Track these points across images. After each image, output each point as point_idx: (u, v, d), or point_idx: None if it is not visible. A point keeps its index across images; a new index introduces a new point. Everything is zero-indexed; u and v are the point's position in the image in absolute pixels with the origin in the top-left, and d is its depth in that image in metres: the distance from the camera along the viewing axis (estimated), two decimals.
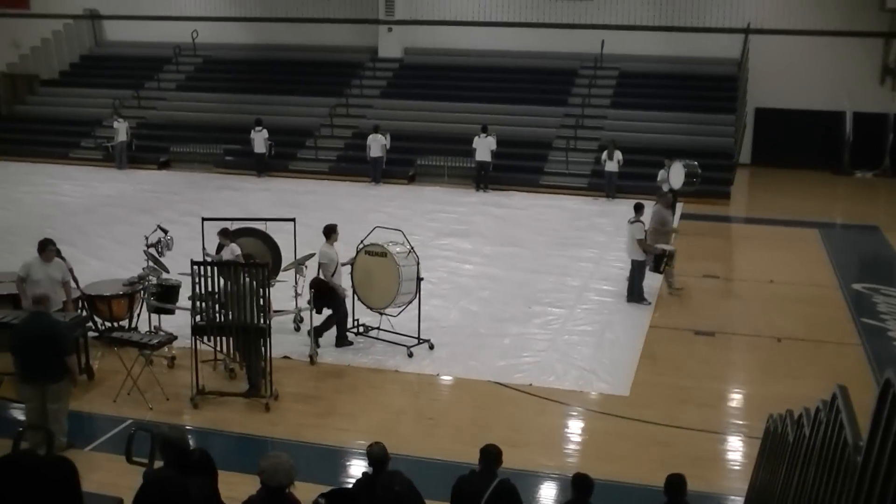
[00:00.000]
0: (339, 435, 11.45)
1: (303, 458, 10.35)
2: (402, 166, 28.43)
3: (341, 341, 14.24)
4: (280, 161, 29.27)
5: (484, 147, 26.93)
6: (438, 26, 33.07)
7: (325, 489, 7.68)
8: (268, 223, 15.05)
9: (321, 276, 14.02)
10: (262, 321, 11.96)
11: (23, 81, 37.53)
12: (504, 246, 20.63)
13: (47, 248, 12.78)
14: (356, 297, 14.54)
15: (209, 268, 12.09)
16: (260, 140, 28.58)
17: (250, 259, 13.94)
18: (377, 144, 27.66)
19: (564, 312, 16.19)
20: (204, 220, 14.80)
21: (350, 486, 8.72)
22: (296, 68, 33.75)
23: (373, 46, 33.83)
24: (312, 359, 13.64)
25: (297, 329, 14.90)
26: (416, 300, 14.37)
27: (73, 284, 14.01)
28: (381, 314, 14.45)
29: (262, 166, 28.85)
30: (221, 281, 12.16)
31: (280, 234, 15.07)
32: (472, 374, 13.39)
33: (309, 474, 8.66)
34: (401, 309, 14.40)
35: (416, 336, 14.32)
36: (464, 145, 27.59)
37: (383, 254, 14.12)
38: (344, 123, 30.76)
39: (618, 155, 25.76)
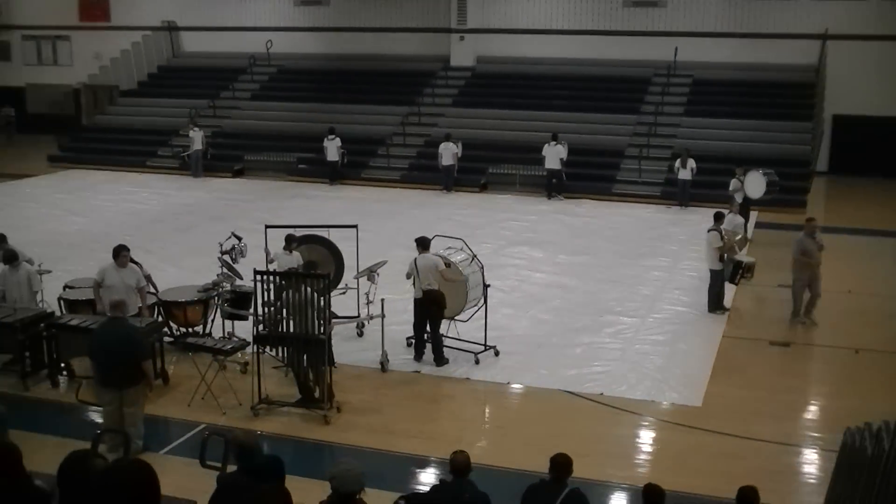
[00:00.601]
0: (408, 443, 11.48)
1: (371, 465, 10.42)
2: (473, 174, 28.46)
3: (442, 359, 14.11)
4: (352, 169, 29.48)
5: (553, 155, 26.83)
6: (510, 35, 33.11)
7: (395, 496, 7.72)
8: (330, 230, 15.13)
9: (430, 287, 13.90)
10: (321, 332, 12.02)
11: (103, 92, 38.39)
12: (576, 255, 20.54)
13: (120, 255, 13.07)
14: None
15: (273, 277, 12.21)
16: (333, 148, 28.83)
17: (313, 267, 14.04)
18: (449, 153, 27.73)
19: (636, 322, 16.06)
20: (267, 227, 14.97)
21: (421, 492, 8.76)
22: (368, 77, 33.98)
23: (445, 55, 33.93)
24: (383, 366, 13.71)
25: (360, 335, 15.00)
26: (484, 307, 14.36)
27: (150, 290, 14.30)
28: (450, 321, 14.45)
29: (335, 174, 29.09)
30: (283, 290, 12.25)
31: (348, 242, 15.14)
32: (542, 383, 13.35)
33: (377, 482, 8.70)
34: (470, 315, 14.40)
35: (483, 343, 14.31)
36: (536, 153, 27.51)
37: (447, 264, 14.14)
38: (416, 132, 30.90)
39: (691, 163, 25.50)
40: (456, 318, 14.41)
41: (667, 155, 27.70)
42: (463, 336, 14.52)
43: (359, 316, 15.02)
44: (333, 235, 15.45)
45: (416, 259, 13.86)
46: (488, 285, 14.42)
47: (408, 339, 14.59)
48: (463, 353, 14.24)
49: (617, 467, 10.84)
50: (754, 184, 21.95)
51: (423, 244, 14.01)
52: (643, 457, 11.42)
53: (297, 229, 15.13)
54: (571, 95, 31.01)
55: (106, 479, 5.97)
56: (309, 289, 11.91)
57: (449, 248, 14.59)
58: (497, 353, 14.32)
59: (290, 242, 14.50)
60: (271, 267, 14.06)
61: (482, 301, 14.41)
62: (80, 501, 6.06)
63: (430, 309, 13.83)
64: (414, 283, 13.97)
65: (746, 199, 22.12)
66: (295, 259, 14.24)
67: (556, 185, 26.97)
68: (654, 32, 31.45)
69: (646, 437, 11.92)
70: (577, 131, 28.83)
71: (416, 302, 13.96)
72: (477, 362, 13.99)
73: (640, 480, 9.28)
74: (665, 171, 27.25)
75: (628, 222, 24.02)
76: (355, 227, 14.93)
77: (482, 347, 14.28)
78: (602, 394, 12.93)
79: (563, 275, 18.97)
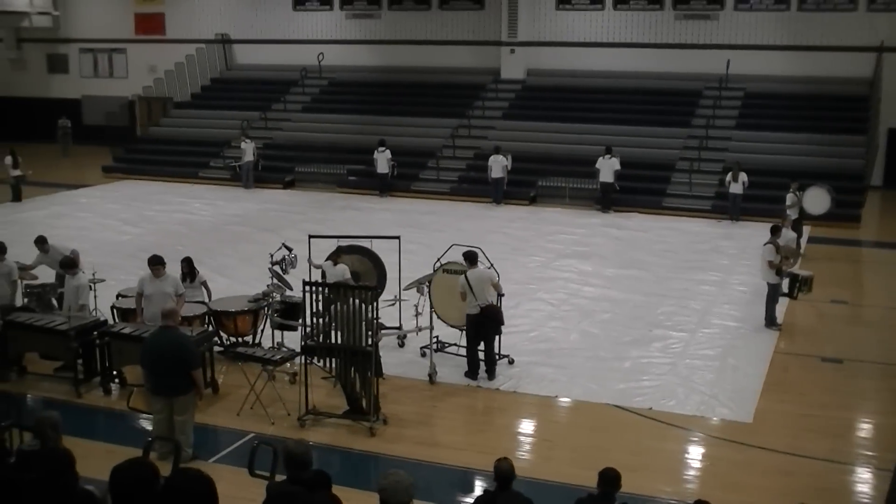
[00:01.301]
0: (455, 455, 11.47)
1: (419, 477, 10.42)
2: (523, 187, 28.42)
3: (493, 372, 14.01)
4: (402, 181, 29.57)
5: (607, 168, 26.74)
6: (561, 47, 33.09)
7: None
8: (373, 241, 15.17)
9: (487, 303, 13.80)
10: (368, 344, 12.03)
11: (157, 104, 38.91)
12: (625, 268, 20.42)
13: (153, 265, 13.25)
14: (434, 314, 14.41)
15: (320, 288, 12.29)
16: (383, 160, 28.95)
17: (356, 278, 14.12)
18: (498, 165, 27.72)
19: (686, 336, 15.93)
20: (311, 237, 15.06)
21: None
22: (419, 90, 34.10)
23: (495, 68, 33.94)
24: (431, 378, 13.72)
25: (401, 345, 15.04)
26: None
27: (203, 300, 14.48)
28: (462, 331, 14.37)
29: (385, 186, 29.21)
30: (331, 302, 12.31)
31: (394, 254, 15.18)
32: (590, 397, 13.28)
33: (424, 494, 8.71)
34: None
35: (497, 352, 14.24)
36: (585, 166, 27.44)
37: (462, 272, 14.10)
38: (466, 144, 30.92)
39: (743, 177, 25.27)
40: (463, 328, 14.29)
41: (718, 168, 27.47)
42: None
43: (400, 328, 15.05)
44: (378, 246, 15.47)
45: (466, 275, 13.78)
46: (502, 294, 14.27)
47: (422, 348, 14.64)
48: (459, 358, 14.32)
49: (666, 483, 10.75)
50: (817, 199, 21.69)
51: (471, 259, 13.93)
52: (692, 472, 11.32)
53: (341, 239, 15.21)
54: (622, 108, 30.88)
55: (169, 488, 6.04)
56: (357, 300, 11.96)
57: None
58: (511, 362, 14.29)
59: (338, 254, 14.58)
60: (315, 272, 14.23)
61: None
62: None
63: (487, 325, 13.77)
64: (467, 300, 13.81)
65: (802, 214, 21.86)
66: (341, 271, 14.30)
67: (608, 199, 26.85)
68: (706, 45, 31.24)
69: (695, 453, 11.81)
70: (628, 144, 28.69)
71: (471, 318, 13.78)
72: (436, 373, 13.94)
73: (690, 496, 9.20)
74: (716, 184, 27.02)
75: (678, 236, 23.84)
76: (398, 238, 14.95)
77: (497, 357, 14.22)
78: (651, 408, 12.84)
79: (613, 288, 18.87)
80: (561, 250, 22.04)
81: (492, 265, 14.49)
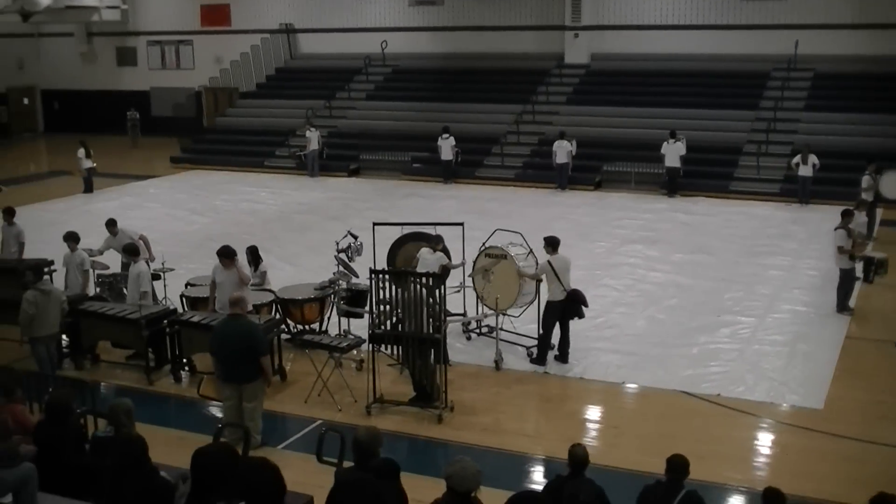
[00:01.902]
0: (523, 442, 11.48)
1: (486, 464, 10.43)
2: (588, 172, 28.27)
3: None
4: (467, 168, 29.56)
5: (673, 153, 26.47)
6: (625, 31, 32.78)
7: (508, 495, 7.72)
8: (437, 228, 15.15)
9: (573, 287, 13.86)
10: (434, 331, 12.05)
11: (224, 94, 39.36)
12: (692, 253, 20.22)
13: (221, 258, 13.44)
14: (478, 299, 14.57)
15: (386, 276, 12.34)
16: (447, 147, 28.95)
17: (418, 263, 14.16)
18: (563, 151, 27.58)
19: (754, 322, 15.73)
20: (375, 224, 15.11)
21: (537, 490, 8.73)
22: (483, 76, 34.03)
23: (559, 53, 33.73)
24: (498, 365, 13.72)
25: (466, 334, 15.08)
26: (536, 301, 14.26)
27: (268, 287, 14.63)
28: (504, 315, 14.32)
29: (449, 173, 29.22)
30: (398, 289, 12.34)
31: (459, 241, 15.19)
32: (658, 383, 13.19)
33: (491, 480, 8.70)
34: (522, 310, 14.33)
35: (537, 338, 14.23)
36: (651, 151, 27.19)
37: (503, 256, 14.10)
38: (530, 130, 30.81)
39: (812, 159, 24.85)
40: (505, 313, 14.24)
41: (787, 151, 27.01)
42: (520, 330, 14.59)
43: (464, 314, 15.06)
44: (443, 233, 15.42)
45: (549, 261, 13.74)
46: (541, 280, 14.14)
47: (467, 331, 14.88)
48: (514, 346, 14.31)
49: (735, 470, 10.65)
50: (894, 182, 21.21)
51: (553, 244, 13.91)
52: (762, 460, 11.20)
53: (405, 227, 15.23)
54: (687, 92, 30.51)
55: (241, 477, 6.13)
56: (423, 288, 11.98)
57: (510, 243, 14.49)
58: (552, 348, 14.17)
59: (437, 242, 14.50)
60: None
61: (535, 296, 14.26)
62: (212, 494, 6.21)
63: (574, 309, 13.75)
64: (548, 285, 13.76)
65: (878, 197, 21.42)
66: (437, 258, 14.23)
67: (675, 183, 26.58)
68: (774, 25, 30.70)
69: (765, 440, 11.68)
70: (694, 128, 28.34)
71: (556, 305, 13.72)
72: (530, 356, 14.00)
73: (759, 484, 9.09)
74: (784, 167, 26.58)
75: (746, 220, 23.52)
76: (461, 224, 14.94)
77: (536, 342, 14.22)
78: (719, 395, 12.71)
79: (680, 274, 18.69)
80: (627, 236, 21.88)
81: (531, 251, 14.41)
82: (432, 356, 12.07)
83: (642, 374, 13.51)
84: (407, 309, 12.10)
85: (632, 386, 13.26)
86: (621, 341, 14.84)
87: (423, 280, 12.06)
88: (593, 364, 13.88)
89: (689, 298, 17.12)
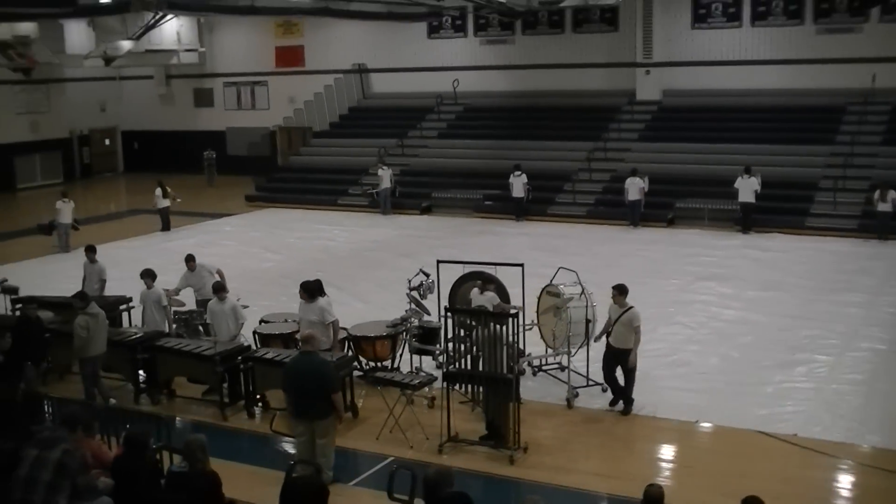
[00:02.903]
0: (594, 481, 11.39)
1: (558, 502, 10.38)
2: (660, 209, 28.07)
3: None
4: (538, 205, 29.55)
5: (747, 188, 26.18)
6: (697, 67, 32.61)
7: None
8: (497, 267, 15.12)
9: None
10: (508, 372, 12.01)
11: (297, 134, 39.93)
12: (766, 290, 19.93)
13: (301, 291, 13.61)
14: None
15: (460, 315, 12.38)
16: (519, 184, 28.99)
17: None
18: (635, 187, 27.46)
19: (831, 360, 15.43)
20: (439, 262, 15.16)
21: None
22: (554, 113, 34.05)
23: (630, 90, 33.66)
24: (570, 402, 13.65)
25: (534, 373, 15.00)
26: (587, 343, 14.18)
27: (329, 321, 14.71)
28: (557, 352, 14.36)
29: (521, 211, 29.25)
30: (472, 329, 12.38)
31: (531, 279, 15.17)
32: (732, 422, 12.99)
33: None
34: (575, 349, 14.12)
35: (586, 376, 14.22)
36: (724, 187, 26.90)
37: (557, 294, 14.14)
38: (602, 167, 30.71)
39: (892, 194, 24.41)
40: (557, 350, 14.32)
41: (864, 187, 26.56)
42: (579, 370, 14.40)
43: (528, 353, 15.00)
44: (508, 272, 15.38)
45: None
46: (591, 321, 14.02)
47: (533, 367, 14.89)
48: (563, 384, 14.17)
49: None
50: None
51: (623, 292, 13.69)
52: (842, 502, 10.98)
53: (466, 265, 15.26)
54: (761, 127, 30.19)
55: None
56: (498, 327, 11.97)
57: (569, 282, 14.47)
58: (605, 390, 13.98)
59: (487, 283, 14.59)
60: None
61: (586, 337, 14.12)
62: None
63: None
64: (627, 333, 13.45)
65: None
66: (489, 299, 14.31)
67: (749, 219, 26.27)
68: (850, 59, 30.26)
69: (844, 481, 11.44)
70: (768, 163, 27.99)
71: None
72: (576, 395, 13.85)
73: None
74: (862, 203, 26.14)
75: (822, 257, 23.13)
76: (521, 265, 14.89)
77: (586, 382, 14.20)
78: (796, 434, 12.48)
79: (753, 311, 18.43)
80: (700, 272, 21.66)
81: (584, 290, 14.23)
82: (507, 397, 12.01)
83: (715, 413, 13.32)
84: (483, 348, 12.11)
85: (705, 425, 13.09)
86: (694, 379, 14.67)
87: (500, 319, 12.04)
88: (665, 402, 13.72)
89: (763, 336, 16.86)
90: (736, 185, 26.37)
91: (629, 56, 33.48)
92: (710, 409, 13.48)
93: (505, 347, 11.93)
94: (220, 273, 16.65)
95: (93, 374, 13.83)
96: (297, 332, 14.07)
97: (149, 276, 15.64)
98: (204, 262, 17.02)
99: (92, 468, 7.79)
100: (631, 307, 13.36)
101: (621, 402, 13.54)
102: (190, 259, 16.74)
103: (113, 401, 13.61)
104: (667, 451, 12.56)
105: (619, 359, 13.39)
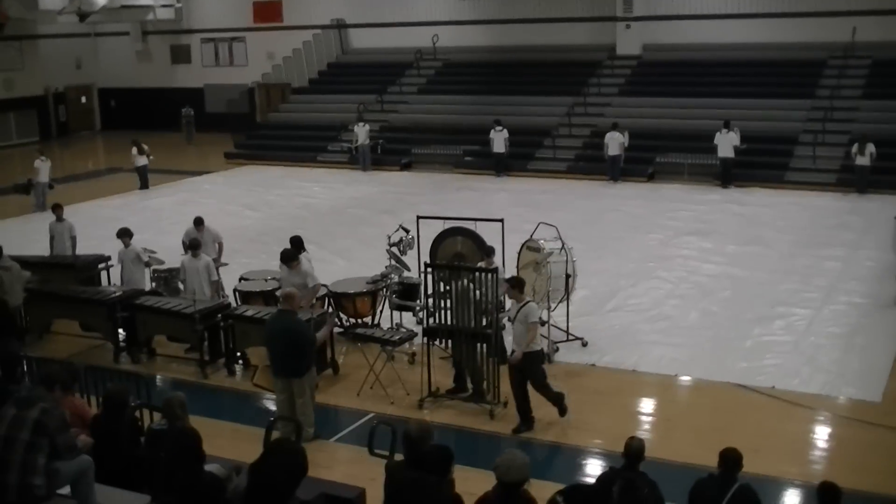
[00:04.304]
0: (575, 435, 11.45)
1: (539, 457, 10.44)
2: (640, 164, 28.06)
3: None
4: (518, 161, 29.50)
5: (727, 143, 26.18)
6: (677, 21, 32.46)
7: (560, 487, 7.70)
8: (477, 223, 15.06)
9: None
10: (483, 326, 12.00)
11: (276, 90, 39.64)
12: (746, 245, 19.99)
13: (283, 262, 13.66)
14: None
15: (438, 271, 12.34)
16: (500, 140, 28.89)
17: (461, 259, 14.09)
18: (615, 142, 27.40)
19: (810, 314, 15.51)
20: (419, 218, 15.11)
21: (588, 483, 8.71)
22: (534, 68, 33.87)
23: (611, 44, 33.50)
24: (549, 357, 13.68)
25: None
26: (566, 298, 14.16)
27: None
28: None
29: (501, 166, 29.18)
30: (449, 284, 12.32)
31: (511, 234, 15.13)
32: (711, 376, 13.08)
33: (543, 473, 8.71)
34: (555, 304, 14.13)
35: (566, 331, 14.27)
36: (705, 142, 26.89)
37: (537, 249, 14.10)
38: (582, 122, 30.63)
39: (870, 148, 24.47)
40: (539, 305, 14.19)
41: (844, 141, 26.61)
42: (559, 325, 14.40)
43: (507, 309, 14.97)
44: (489, 228, 15.29)
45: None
46: (570, 275, 13.97)
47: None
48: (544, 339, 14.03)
49: (790, 463, 10.53)
50: None
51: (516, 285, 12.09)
52: (818, 453, 11.07)
53: (446, 221, 15.19)
54: (741, 81, 30.13)
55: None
56: (472, 283, 11.94)
57: (555, 237, 14.39)
58: (585, 345, 14.14)
59: (490, 254, 14.29)
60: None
61: (565, 292, 14.08)
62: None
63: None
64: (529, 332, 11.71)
65: None
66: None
67: (730, 174, 26.30)
68: (830, 13, 30.13)
69: (821, 433, 11.55)
70: (748, 118, 27.99)
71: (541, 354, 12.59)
72: (556, 350, 13.87)
73: (815, 478, 8.98)
74: (841, 157, 26.21)
75: (802, 211, 23.21)
76: (501, 220, 14.85)
77: (566, 336, 14.25)
78: (774, 387, 12.57)
79: (734, 265, 18.50)
80: (680, 227, 21.70)
81: (564, 245, 14.07)
82: (487, 351, 12.01)
83: (696, 367, 13.40)
84: (459, 303, 12.09)
85: (685, 378, 13.17)
86: (674, 334, 14.74)
87: (476, 275, 12.02)
88: (646, 357, 13.79)
89: (743, 290, 16.94)
90: (716, 140, 26.37)
91: (609, 10, 33.30)
92: (690, 363, 13.55)
93: (482, 302, 11.90)
94: (220, 245, 16.35)
95: None
96: (278, 289, 14.04)
97: (125, 234, 15.56)
98: (212, 226, 16.68)
99: (72, 426, 7.76)
100: (528, 301, 11.67)
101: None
102: (199, 222, 16.24)
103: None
104: (646, 405, 12.63)
105: (524, 369, 11.54)
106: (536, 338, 11.55)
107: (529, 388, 11.59)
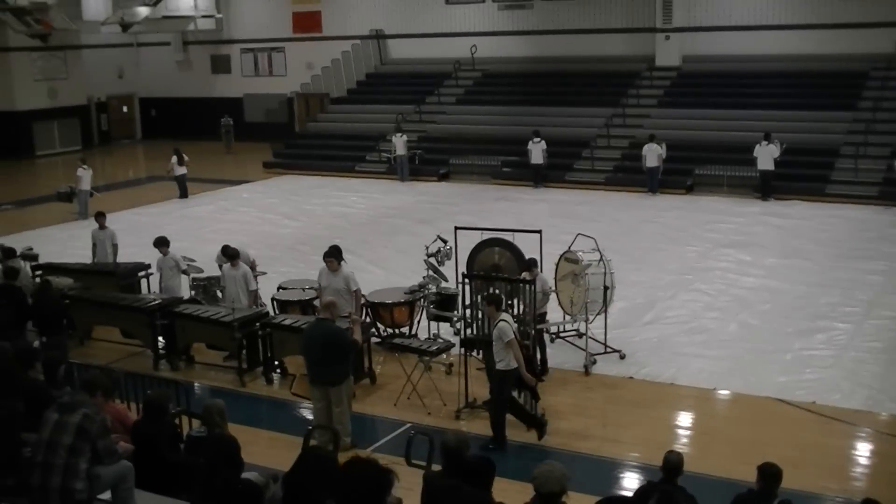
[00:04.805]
0: (612, 447, 11.39)
1: (575, 468, 10.37)
2: (679, 176, 27.90)
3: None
4: (556, 172, 29.44)
5: (766, 155, 25.99)
6: (717, 32, 32.28)
7: (598, 499, 7.67)
8: (515, 234, 15.02)
9: None
10: (523, 338, 11.94)
11: (315, 100, 39.86)
12: (786, 258, 19.82)
13: (326, 258, 13.58)
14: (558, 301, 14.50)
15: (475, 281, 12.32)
16: (538, 151, 28.86)
17: (498, 271, 14.06)
18: (653, 154, 27.27)
19: (851, 328, 15.34)
20: (457, 228, 15.11)
21: (625, 496, 8.66)
22: (572, 79, 33.81)
23: (650, 55, 33.38)
24: (587, 369, 13.64)
25: (550, 339, 14.85)
26: (604, 308, 14.08)
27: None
28: (575, 319, 14.32)
29: (539, 177, 29.14)
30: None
31: (549, 245, 15.09)
32: (750, 390, 12.96)
33: (580, 485, 8.65)
34: (593, 316, 14.04)
35: (604, 343, 14.21)
36: (744, 154, 26.71)
37: (575, 261, 14.06)
38: (620, 133, 30.54)
39: None
40: (573, 316, 14.28)
41: (886, 153, 26.32)
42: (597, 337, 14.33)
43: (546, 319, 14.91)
44: (527, 239, 15.25)
45: (507, 321, 11.75)
46: (608, 287, 13.90)
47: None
48: (582, 351, 14.13)
49: (831, 479, 10.40)
50: None
51: (497, 303, 11.74)
52: (860, 470, 10.93)
53: (484, 232, 15.18)
54: (782, 93, 29.89)
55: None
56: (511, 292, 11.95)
57: (581, 250, 14.38)
58: (622, 357, 14.07)
59: (533, 266, 14.25)
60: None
61: (604, 304, 13.99)
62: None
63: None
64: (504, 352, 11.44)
65: None
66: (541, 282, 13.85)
67: (767, 187, 26.09)
68: (872, 24, 29.86)
69: (862, 449, 11.40)
70: (789, 130, 27.74)
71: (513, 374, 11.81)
72: (594, 363, 13.80)
73: (857, 495, 8.91)
74: (884, 169, 25.92)
75: (843, 224, 22.97)
76: (539, 232, 14.81)
77: (604, 349, 14.18)
78: (814, 402, 12.44)
79: (773, 278, 18.34)
80: (719, 240, 21.55)
81: (602, 257, 14.03)
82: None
83: (734, 380, 13.29)
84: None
85: (723, 392, 13.06)
86: (713, 346, 14.63)
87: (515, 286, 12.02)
88: (684, 369, 13.70)
89: (783, 303, 16.78)
90: (755, 152, 26.18)
91: (649, 21, 33.21)
92: (729, 376, 13.44)
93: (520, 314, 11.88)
94: (253, 264, 15.99)
95: None
96: (316, 298, 14.10)
97: (162, 243, 15.72)
98: (241, 248, 16.30)
99: (113, 432, 7.83)
100: (501, 320, 11.22)
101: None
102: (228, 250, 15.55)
103: None
104: (684, 419, 12.54)
105: (495, 384, 11.46)
106: (517, 356, 11.17)
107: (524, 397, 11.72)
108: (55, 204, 27.12)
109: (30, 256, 17.70)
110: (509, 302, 12.45)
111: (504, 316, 11.33)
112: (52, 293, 14.08)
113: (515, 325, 11.44)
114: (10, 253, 15.78)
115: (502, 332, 11.10)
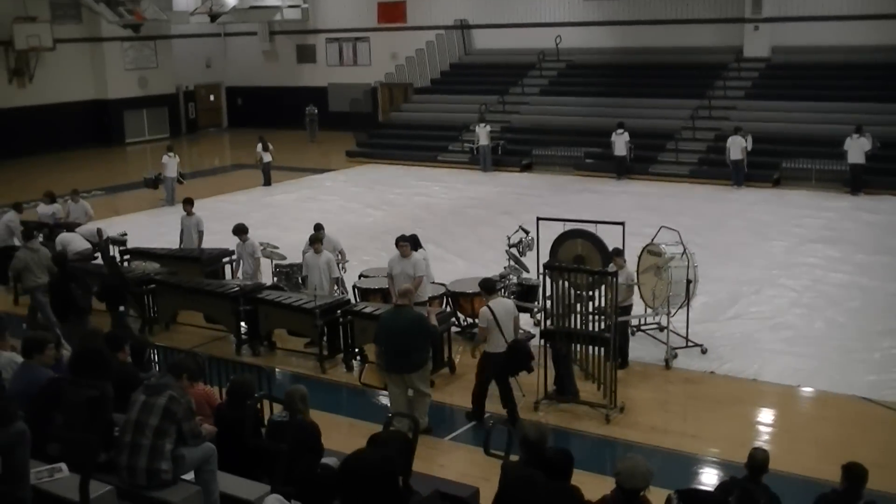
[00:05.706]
0: (692, 442, 11.26)
1: (654, 463, 10.27)
2: (766, 169, 27.43)
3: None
4: (640, 164, 29.16)
5: (857, 148, 25.40)
6: (809, 22, 31.60)
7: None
8: (598, 225, 14.92)
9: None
10: (606, 330, 11.90)
11: (399, 90, 40.06)
12: (877, 254, 19.36)
13: (398, 245, 13.80)
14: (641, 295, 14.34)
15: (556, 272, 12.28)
16: (621, 143, 28.64)
17: (580, 262, 13.96)
18: (737, 147, 26.81)
19: None
20: (539, 219, 15.03)
21: (706, 489, 8.56)
22: (658, 71, 33.43)
23: (738, 46, 32.85)
24: (668, 363, 13.50)
25: (631, 332, 14.69)
26: (687, 302, 13.88)
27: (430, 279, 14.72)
28: (657, 312, 14.15)
29: (623, 169, 28.90)
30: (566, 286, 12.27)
31: (632, 238, 14.97)
32: (836, 388, 12.69)
33: (660, 480, 8.57)
34: (675, 310, 13.85)
35: (685, 337, 14.00)
36: (833, 147, 26.15)
37: (658, 254, 13.88)
38: (706, 126, 30.11)
39: None
40: (655, 309, 14.12)
41: None
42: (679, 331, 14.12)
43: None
44: (610, 231, 15.14)
45: (489, 306, 11.84)
46: (690, 280, 13.67)
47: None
48: (663, 345, 13.93)
49: None
50: None
51: (489, 288, 12.12)
52: None
53: (566, 223, 15.09)
54: (874, 85, 29.21)
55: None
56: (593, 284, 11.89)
57: (664, 242, 14.17)
58: (704, 352, 13.86)
59: (618, 255, 14.16)
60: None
61: (684, 298, 13.79)
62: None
63: (520, 362, 11.96)
64: (488, 335, 11.76)
65: None
66: (626, 275, 13.67)
67: (858, 181, 25.51)
68: None
69: None
70: (881, 123, 27.11)
71: (495, 357, 11.74)
72: (675, 356, 13.60)
73: None
74: None
75: None
76: (622, 224, 14.68)
77: (685, 343, 13.97)
78: None
79: (863, 275, 17.93)
80: (806, 235, 21.14)
81: (685, 250, 13.84)
82: (605, 355, 11.93)
83: (819, 378, 13.03)
84: (576, 305, 12.03)
85: (808, 390, 12.82)
86: (798, 343, 14.36)
87: (589, 277, 11.95)
88: (767, 366, 13.47)
89: (872, 301, 16.40)
90: (846, 145, 25.62)
91: (738, 11, 32.67)
92: (814, 374, 13.18)
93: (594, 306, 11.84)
94: (341, 252, 16.05)
95: (38, 303, 14.92)
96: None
97: (241, 231, 15.95)
98: (331, 235, 16.22)
99: (198, 414, 7.98)
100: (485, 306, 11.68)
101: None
102: (318, 228, 15.94)
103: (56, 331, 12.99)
104: (767, 416, 12.33)
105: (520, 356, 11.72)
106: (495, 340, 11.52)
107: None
108: (144, 190, 27.68)
109: (117, 241, 18.17)
110: (590, 293, 12.38)
111: (492, 302, 11.67)
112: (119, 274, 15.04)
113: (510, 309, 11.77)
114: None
115: (480, 317, 11.68)
